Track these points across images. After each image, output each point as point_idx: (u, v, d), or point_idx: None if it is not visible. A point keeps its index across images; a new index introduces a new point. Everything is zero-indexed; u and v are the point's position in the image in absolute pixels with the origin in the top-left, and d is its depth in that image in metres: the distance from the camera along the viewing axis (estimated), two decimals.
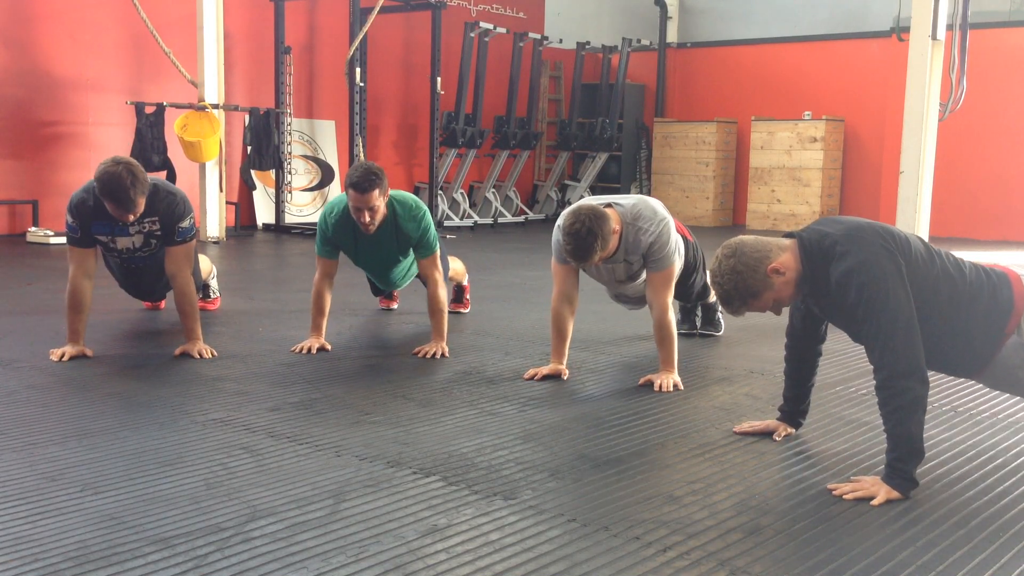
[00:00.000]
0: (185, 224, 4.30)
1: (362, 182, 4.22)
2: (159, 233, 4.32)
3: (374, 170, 4.27)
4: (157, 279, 4.64)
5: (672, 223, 4.00)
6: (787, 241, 2.84)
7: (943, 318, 2.81)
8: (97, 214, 4.19)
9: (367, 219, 4.29)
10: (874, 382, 2.74)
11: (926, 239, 5.42)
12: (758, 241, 2.81)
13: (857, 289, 2.70)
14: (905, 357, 2.67)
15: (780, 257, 2.78)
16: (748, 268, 2.75)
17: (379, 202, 4.28)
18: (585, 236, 3.64)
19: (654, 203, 4.00)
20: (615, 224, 3.80)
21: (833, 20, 12.39)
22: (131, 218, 4.14)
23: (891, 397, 2.67)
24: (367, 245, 4.55)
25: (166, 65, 9.18)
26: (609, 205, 3.88)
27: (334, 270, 4.55)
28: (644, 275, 4.10)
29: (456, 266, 5.35)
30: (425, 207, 4.57)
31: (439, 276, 4.49)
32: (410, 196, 4.58)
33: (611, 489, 2.72)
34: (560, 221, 3.81)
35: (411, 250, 4.58)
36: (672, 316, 3.95)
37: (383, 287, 5.19)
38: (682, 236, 4.24)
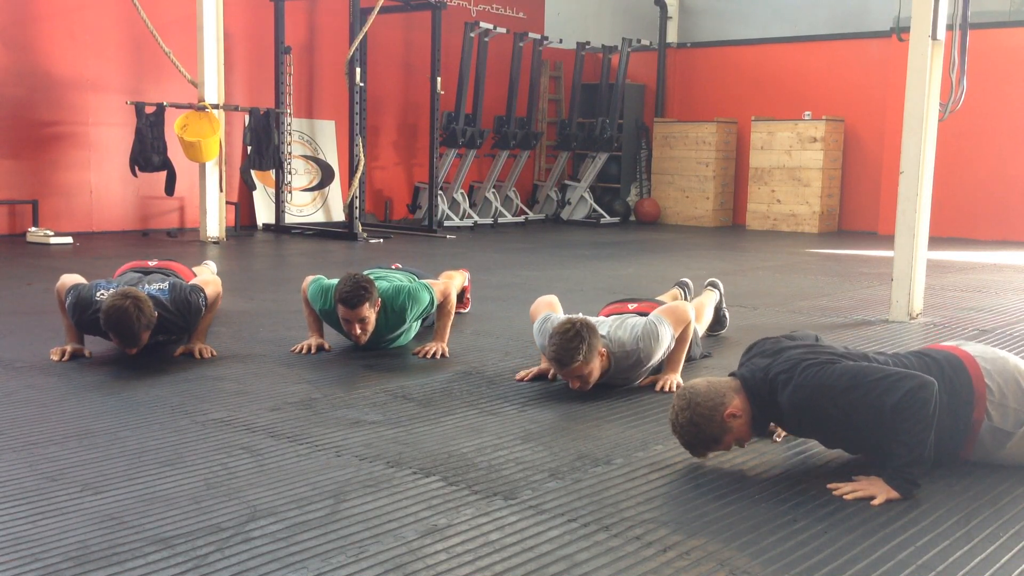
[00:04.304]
0: (203, 309, 4.25)
1: (351, 297, 4.11)
2: (176, 339, 4.31)
3: (363, 283, 4.14)
4: (168, 344, 4.52)
5: (653, 332, 3.83)
6: (735, 382, 2.89)
7: None
8: (99, 329, 4.09)
9: (358, 331, 4.20)
10: (897, 413, 2.69)
11: (926, 239, 5.42)
12: (709, 388, 2.85)
13: (820, 401, 2.75)
14: (901, 376, 2.69)
15: (733, 402, 2.83)
16: (705, 419, 2.81)
17: (370, 314, 4.19)
18: (572, 338, 3.57)
19: (631, 328, 3.84)
20: (603, 352, 3.72)
21: (833, 20, 12.39)
22: (135, 350, 4.01)
23: (915, 411, 2.65)
24: None
25: (166, 65, 9.18)
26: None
27: None
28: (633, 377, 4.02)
29: (455, 283, 5.29)
30: (404, 289, 4.39)
31: (448, 288, 4.49)
32: (391, 289, 4.38)
33: (611, 489, 2.72)
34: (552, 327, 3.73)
35: (402, 326, 4.49)
36: (693, 328, 3.99)
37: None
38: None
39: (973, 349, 2.95)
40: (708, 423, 2.80)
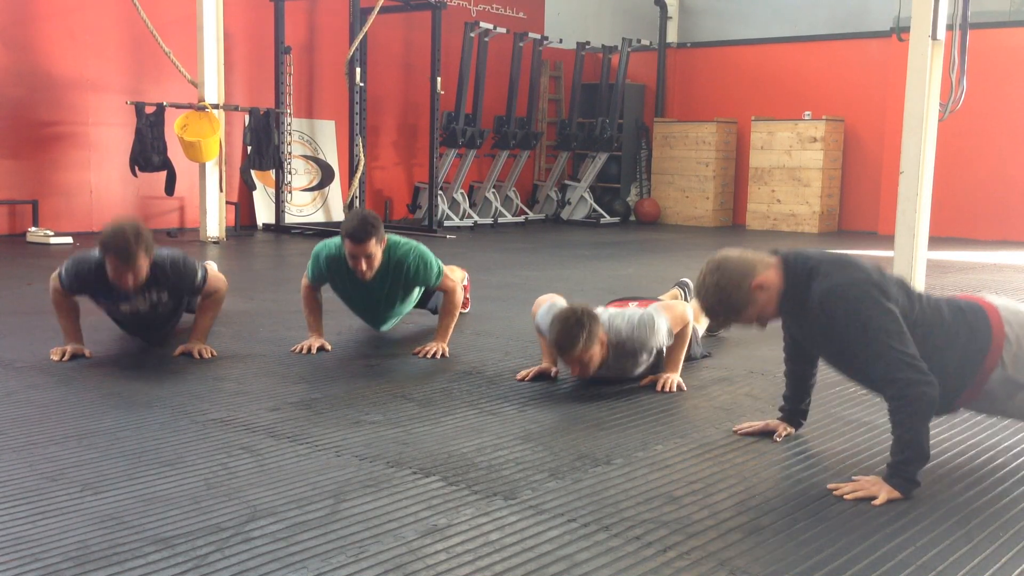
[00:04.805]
0: (199, 281, 4.25)
1: (358, 232, 4.15)
2: (168, 301, 4.30)
3: (370, 219, 4.18)
4: (164, 325, 4.54)
5: (652, 322, 3.84)
6: (771, 258, 2.88)
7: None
8: (98, 284, 4.10)
9: (364, 267, 4.22)
10: (885, 394, 2.73)
11: (926, 239, 5.44)
12: (742, 257, 2.83)
13: (843, 309, 2.73)
14: (911, 363, 2.68)
15: (763, 273, 2.81)
16: (732, 284, 2.78)
17: (376, 250, 4.22)
18: (573, 325, 3.60)
19: (628, 317, 3.87)
20: (603, 338, 3.73)
21: (833, 20, 12.39)
22: (131, 280, 3.98)
23: (908, 403, 2.67)
24: (358, 288, 4.51)
25: (166, 65, 9.18)
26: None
27: (320, 286, 4.57)
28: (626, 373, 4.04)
29: (455, 276, 5.32)
30: (415, 246, 4.45)
31: (454, 285, 4.50)
32: (402, 240, 4.46)
33: (611, 489, 2.72)
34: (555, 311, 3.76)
35: (404, 292, 4.54)
36: (691, 328, 3.97)
37: (372, 326, 5.12)
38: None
39: (998, 300, 2.97)
40: (735, 289, 2.77)
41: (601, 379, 3.93)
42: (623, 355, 3.84)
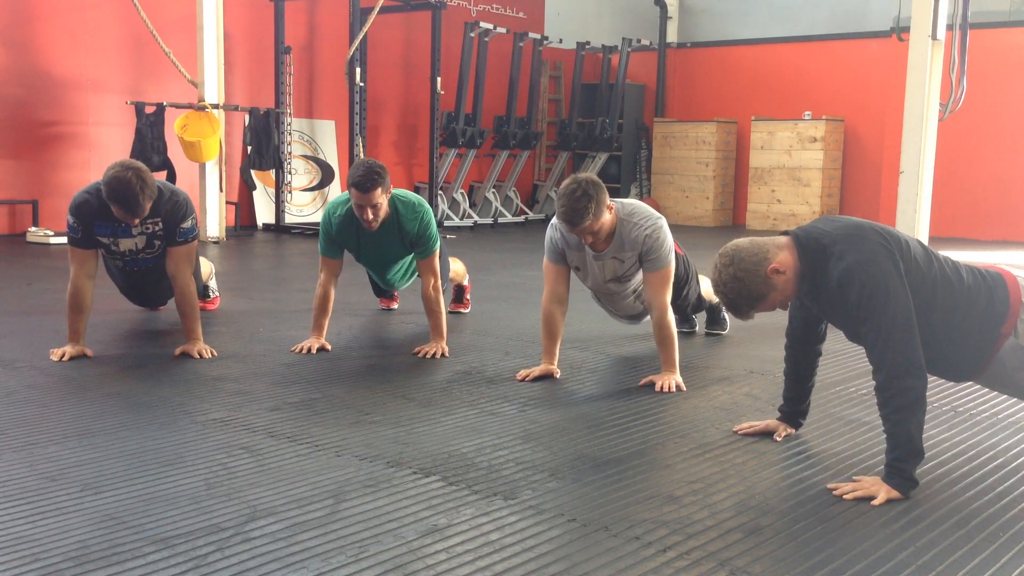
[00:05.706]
0: (187, 225, 4.30)
1: (364, 181, 4.23)
2: (162, 234, 4.32)
3: (376, 168, 4.26)
4: (159, 282, 4.60)
5: (667, 226, 3.99)
6: (783, 239, 2.85)
7: (939, 322, 2.82)
8: (100, 215, 4.19)
9: (370, 216, 4.31)
10: (874, 382, 2.75)
11: (926, 239, 5.44)
12: (753, 244, 2.81)
13: (858, 288, 2.71)
14: (905, 356, 2.67)
15: (778, 256, 2.79)
16: (749, 273, 2.76)
17: (382, 199, 4.30)
18: (580, 198, 3.63)
19: (649, 207, 4.02)
20: (611, 206, 3.80)
21: (833, 20, 12.39)
22: (136, 222, 4.17)
23: (892, 397, 2.68)
24: (370, 243, 4.56)
25: (166, 65, 9.18)
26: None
27: (339, 270, 4.57)
28: (633, 285, 4.12)
29: (457, 267, 5.38)
30: (427, 207, 4.59)
31: (433, 279, 4.49)
32: (413, 195, 4.60)
33: (611, 489, 2.72)
34: (557, 197, 3.83)
35: (404, 235, 4.60)
36: (671, 317, 3.94)
37: (385, 287, 5.21)
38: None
39: (1018, 271, 2.99)
40: (752, 278, 2.75)
41: (610, 275, 4.04)
42: (629, 232, 3.86)
